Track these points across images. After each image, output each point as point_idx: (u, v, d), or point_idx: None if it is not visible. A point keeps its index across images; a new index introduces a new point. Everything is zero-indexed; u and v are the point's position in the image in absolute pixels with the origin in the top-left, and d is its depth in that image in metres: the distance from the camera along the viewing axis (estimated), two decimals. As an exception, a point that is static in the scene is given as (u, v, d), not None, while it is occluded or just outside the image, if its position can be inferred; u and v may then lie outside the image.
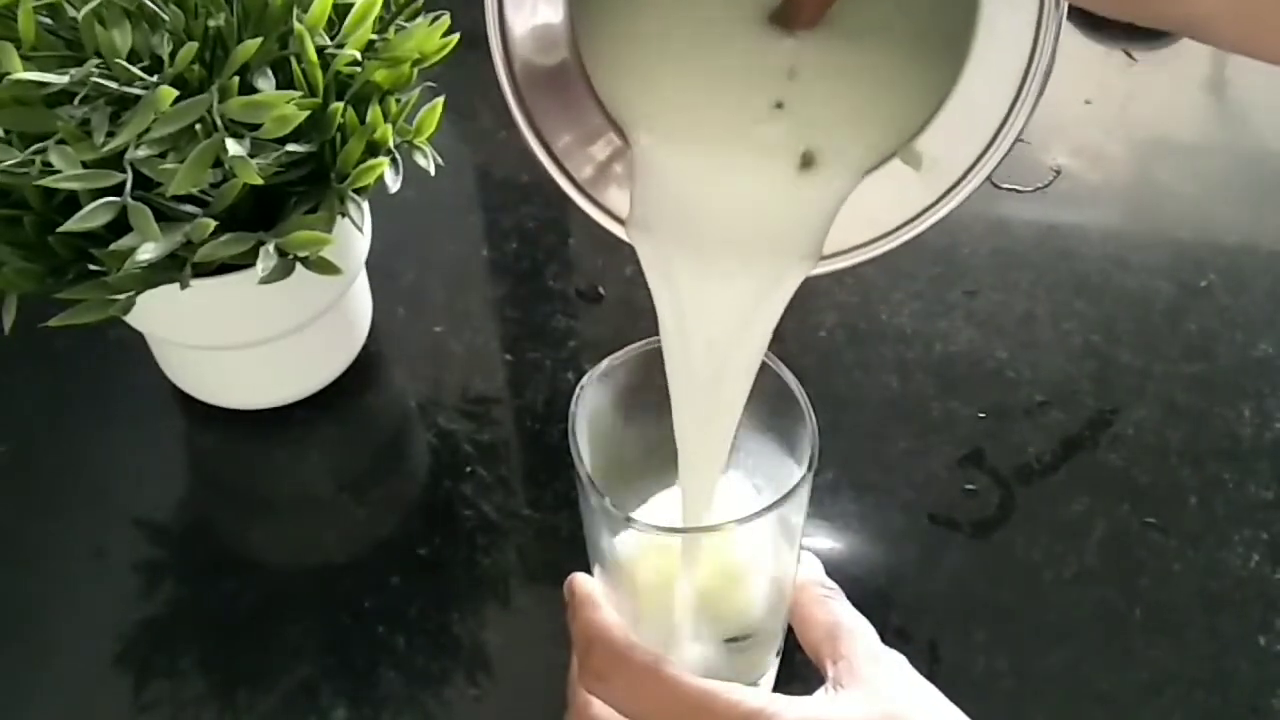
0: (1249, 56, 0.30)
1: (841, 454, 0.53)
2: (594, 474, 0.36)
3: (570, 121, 0.31)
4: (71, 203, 0.41)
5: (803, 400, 0.37)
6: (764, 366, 0.39)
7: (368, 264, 0.54)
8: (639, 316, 0.59)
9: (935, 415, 0.55)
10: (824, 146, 0.30)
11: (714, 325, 0.34)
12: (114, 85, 0.40)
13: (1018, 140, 0.29)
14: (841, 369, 0.57)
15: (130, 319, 0.48)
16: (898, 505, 0.52)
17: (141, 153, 0.40)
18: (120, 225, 0.40)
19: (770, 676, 0.45)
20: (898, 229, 0.31)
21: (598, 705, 0.38)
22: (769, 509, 0.36)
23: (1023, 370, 0.57)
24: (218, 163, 0.41)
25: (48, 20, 0.42)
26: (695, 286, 0.33)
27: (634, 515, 0.35)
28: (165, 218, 0.42)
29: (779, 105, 0.31)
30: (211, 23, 0.43)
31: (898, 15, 0.30)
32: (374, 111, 0.46)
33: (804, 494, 0.37)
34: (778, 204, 0.31)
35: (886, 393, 0.56)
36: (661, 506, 0.42)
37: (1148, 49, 0.75)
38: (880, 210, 0.31)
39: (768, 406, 0.40)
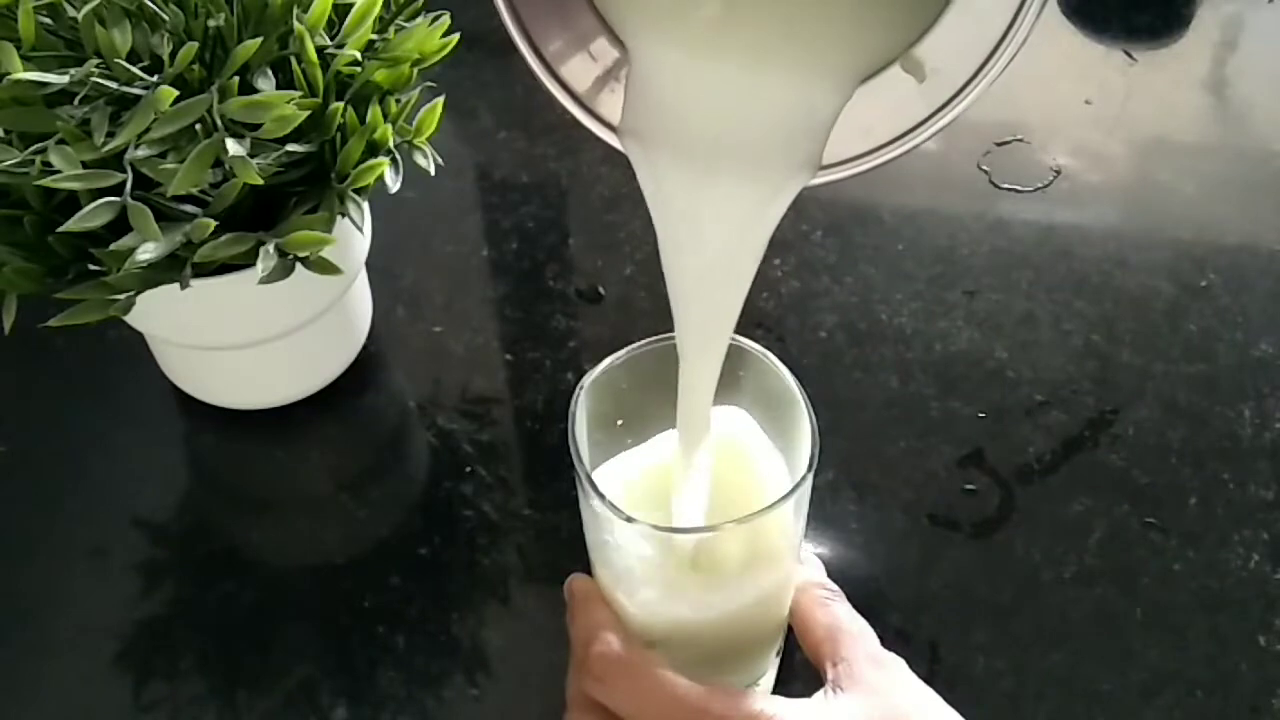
0: None
1: (841, 454, 0.53)
2: (594, 474, 0.37)
3: (561, 24, 0.30)
4: (71, 203, 0.41)
5: (803, 400, 0.37)
6: (765, 367, 0.39)
7: (368, 264, 0.54)
8: (639, 316, 0.59)
9: (935, 415, 0.55)
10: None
11: (709, 237, 0.33)
12: (114, 85, 0.40)
13: (1019, 50, 0.28)
14: (841, 369, 0.57)
15: (130, 319, 0.48)
16: (898, 505, 0.52)
17: (141, 153, 0.40)
18: (120, 225, 0.40)
19: (770, 677, 0.45)
20: (896, 139, 0.30)
21: (596, 706, 0.38)
22: (769, 508, 0.36)
23: (1023, 370, 0.57)
24: (218, 163, 0.41)
25: (48, 20, 0.42)
26: (689, 197, 0.32)
27: (635, 516, 0.35)
28: (165, 218, 0.42)
29: None
30: (211, 23, 0.43)
31: None
32: (374, 111, 0.46)
33: (805, 494, 0.37)
34: (772, 110, 0.30)
35: (886, 393, 0.56)
36: (661, 447, 0.42)
37: (1148, 49, 0.75)
38: (878, 121, 0.30)
39: (768, 407, 0.40)
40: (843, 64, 0.29)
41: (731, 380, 0.39)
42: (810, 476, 0.36)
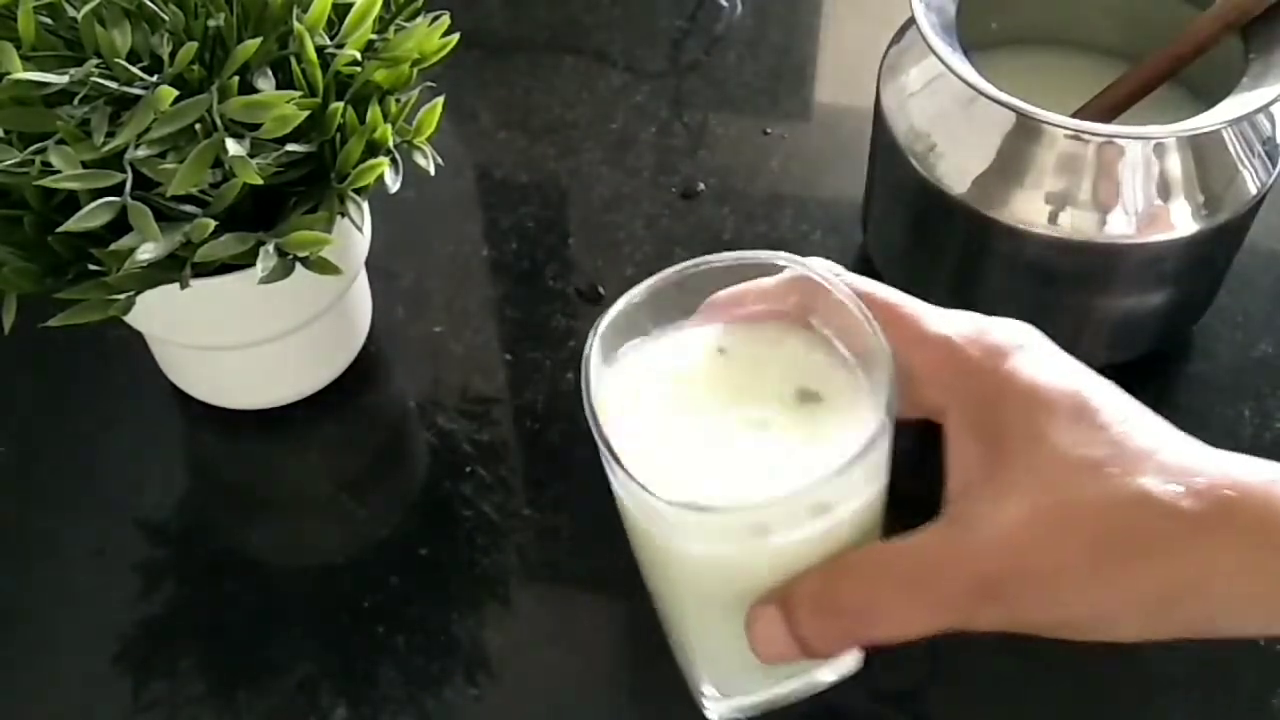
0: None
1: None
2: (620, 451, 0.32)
3: None
4: (71, 203, 0.41)
5: (880, 338, 0.34)
6: (840, 304, 0.35)
7: (368, 264, 0.54)
8: (639, 316, 0.59)
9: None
10: None
11: None
12: (114, 85, 0.40)
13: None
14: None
15: (130, 319, 0.48)
16: (898, 505, 0.52)
17: (141, 153, 0.40)
18: (120, 225, 0.40)
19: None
20: None
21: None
22: (853, 461, 0.32)
23: (1023, 370, 0.57)
24: (217, 163, 0.41)
25: (48, 20, 0.42)
26: None
27: (672, 498, 0.32)
28: (165, 218, 0.42)
29: None
30: (211, 23, 0.43)
31: None
32: (374, 111, 0.46)
33: (886, 441, 0.34)
34: None
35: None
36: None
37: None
38: None
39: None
40: None
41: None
42: (891, 422, 0.33)
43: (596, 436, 0.33)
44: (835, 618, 0.33)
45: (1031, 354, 0.35)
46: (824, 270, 0.36)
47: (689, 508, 0.32)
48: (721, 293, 0.36)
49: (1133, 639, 0.32)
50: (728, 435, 0.35)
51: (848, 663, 0.41)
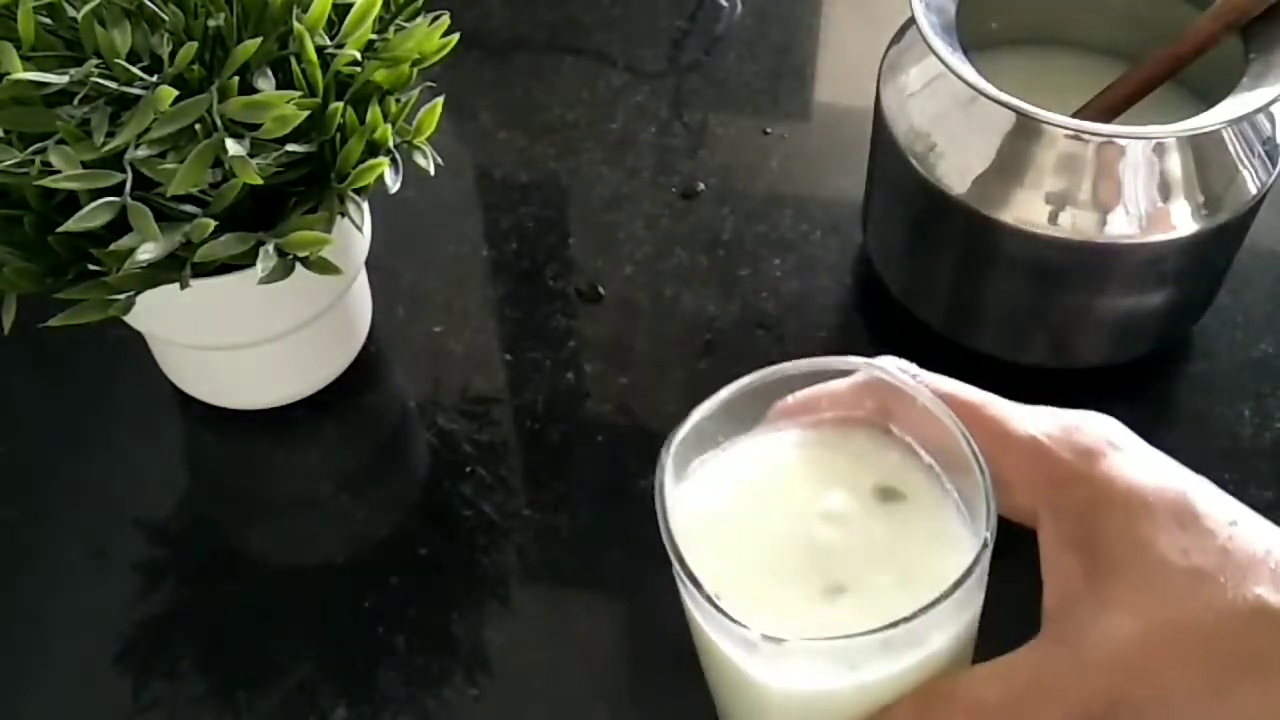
0: None
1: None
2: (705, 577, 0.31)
3: None
4: (71, 203, 0.41)
5: (973, 447, 0.33)
6: (922, 409, 0.34)
7: (368, 264, 0.54)
8: (639, 316, 0.59)
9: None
10: None
11: None
12: (114, 85, 0.40)
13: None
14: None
15: (130, 319, 0.48)
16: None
17: (141, 153, 0.40)
18: (120, 225, 0.40)
19: None
20: None
21: None
22: (955, 586, 0.30)
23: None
24: (217, 163, 0.41)
25: (48, 20, 0.42)
26: None
27: (773, 633, 0.30)
28: (165, 218, 0.42)
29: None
30: (211, 23, 0.43)
31: None
32: (374, 111, 0.46)
33: (985, 563, 0.32)
34: None
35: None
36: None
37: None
38: None
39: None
40: None
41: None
42: (992, 541, 0.31)
43: (675, 564, 0.32)
44: None
45: (1126, 455, 0.33)
46: (898, 370, 0.34)
47: (773, 640, 0.30)
48: (791, 397, 0.35)
49: None
50: (808, 540, 0.33)
51: None
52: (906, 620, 0.30)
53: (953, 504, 0.34)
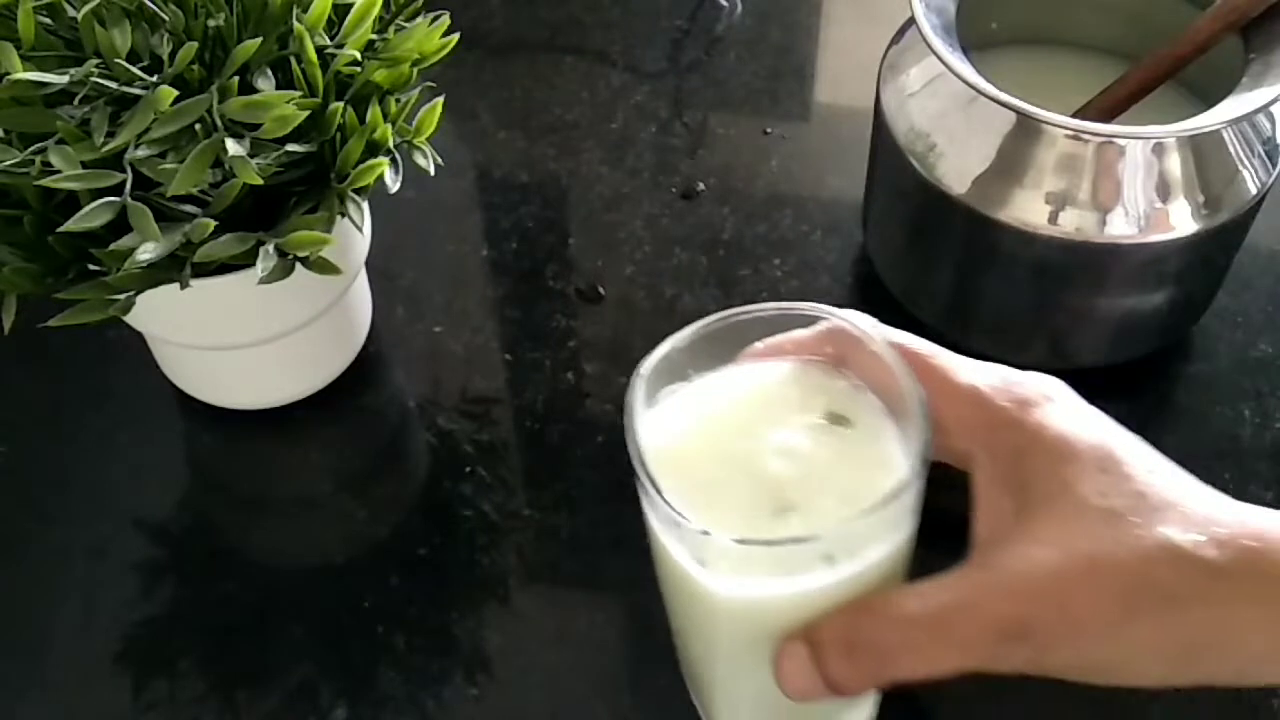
0: None
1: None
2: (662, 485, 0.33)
3: None
4: (71, 203, 0.41)
5: (912, 382, 0.35)
6: (874, 355, 0.36)
7: (368, 264, 0.54)
8: (639, 316, 0.59)
9: (935, 415, 0.55)
10: None
11: None
12: (114, 85, 0.40)
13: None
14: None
15: (130, 319, 0.48)
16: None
17: (141, 153, 0.40)
18: (120, 225, 0.40)
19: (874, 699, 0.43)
20: None
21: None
22: (881, 505, 0.33)
23: (1023, 370, 0.57)
24: (217, 163, 0.41)
25: (48, 20, 0.42)
26: None
27: (713, 531, 0.33)
28: (165, 218, 0.42)
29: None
30: (211, 23, 0.43)
31: None
32: (374, 111, 0.46)
33: (918, 488, 0.34)
34: None
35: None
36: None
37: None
38: None
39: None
40: None
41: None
42: (923, 469, 0.34)
43: (639, 472, 0.34)
44: (861, 656, 0.34)
45: (1059, 406, 0.35)
46: (861, 323, 0.37)
47: (705, 534, 0.33)
48: (759, 343, 0.38)
49: (1156, 685, 0.33)
50: (761, 463, 0.36)
51: (864, 709, 0.41)
52: (839, 528, 0.33)
53: (895, 435, 0.36)
